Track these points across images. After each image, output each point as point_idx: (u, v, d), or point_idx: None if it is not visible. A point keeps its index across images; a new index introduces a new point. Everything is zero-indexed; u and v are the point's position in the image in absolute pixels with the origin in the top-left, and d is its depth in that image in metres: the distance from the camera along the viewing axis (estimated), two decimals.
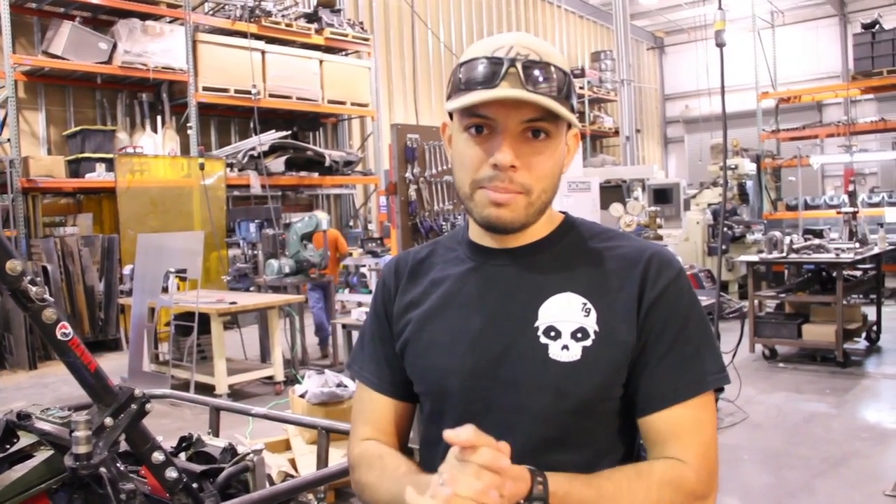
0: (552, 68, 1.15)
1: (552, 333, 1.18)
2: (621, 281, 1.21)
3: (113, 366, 8.30)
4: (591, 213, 9.57)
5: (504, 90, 1.13)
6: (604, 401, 1.20)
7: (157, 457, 1.57)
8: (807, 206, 14.49)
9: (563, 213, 1.34)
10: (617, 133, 19.04)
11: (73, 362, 1.41)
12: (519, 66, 1.13)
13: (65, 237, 9.35)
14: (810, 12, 20.78)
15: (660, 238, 3.39)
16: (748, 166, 11.91)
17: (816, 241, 7.66)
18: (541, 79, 1.14)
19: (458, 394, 1.24)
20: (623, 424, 1.23)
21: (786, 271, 8.68)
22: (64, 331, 1.37)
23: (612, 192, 11.90)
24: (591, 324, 1.18)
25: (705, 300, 5.46)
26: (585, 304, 1.20)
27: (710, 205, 10.96)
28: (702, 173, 14.89)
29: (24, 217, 9.31)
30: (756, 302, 7.73)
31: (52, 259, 8.97)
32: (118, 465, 1.55)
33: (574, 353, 1.17)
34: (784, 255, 7.51)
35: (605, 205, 9.96)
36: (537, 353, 1.18)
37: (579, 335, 1.18)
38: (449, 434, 0.99)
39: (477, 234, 1.31)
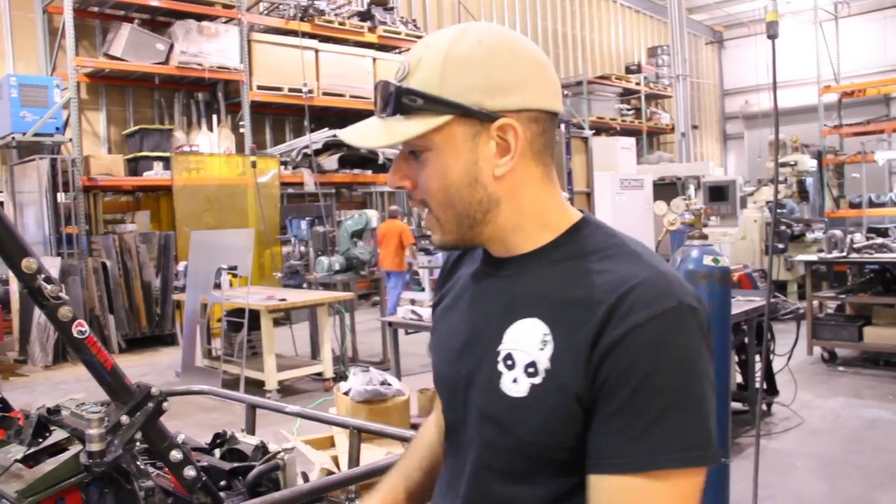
0: (396, 88, 1.06)
1: (509, 362, 1.06)
2: (587, 316, 1.00)
3: (168, 360, 8.47)
4: (643, 210, 9.46)
5: (358, 125, 1.12)
6: (546, 447, 1.04)
7: (176, 455, 1.57)
8: (871, 204, 14.02)
9: (583, 213, 1.17)
10: (674, 129, 18.73)
11: (90, 360, 1.42)
12: (379, 95, 1.09)
13: (123, 234, 9.59)
14: (877, 2, 20.15)
15: (705, 237, 3.29)
16: (808, 163, 11.57)
17: (879, 241, 7.39)
18: (387, 102, 1.07)
19: (444, 400, 1.22)
20: (581, 480, 1.04)
21: (847, 272, 8.40)
22: (80, 328, 1.38)
23: (667, 190, 11.70)
24: (543, 359, 1.03)
25: (759, 301, 5.31)
26: (546, 335, 1.04)
27: (767, 202, 10.68)
28: (761, 170, 14.54)
29: (85, 214, 9.57)
30: (815, 303, 7.51)
31: (111, 255, 9.21)
32: (138, 462, 1.55)
33: (521, 388, 1.04)
34: (844, 254, 7.27)
35: None
36: (492, 380, 1.07)
37: (530, 370, 1.03)
38: None
39: None
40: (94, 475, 1.64)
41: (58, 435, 2.05)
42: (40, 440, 1.96)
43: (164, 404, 1.50)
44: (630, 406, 0.96)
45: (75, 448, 2.08)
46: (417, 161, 1.09)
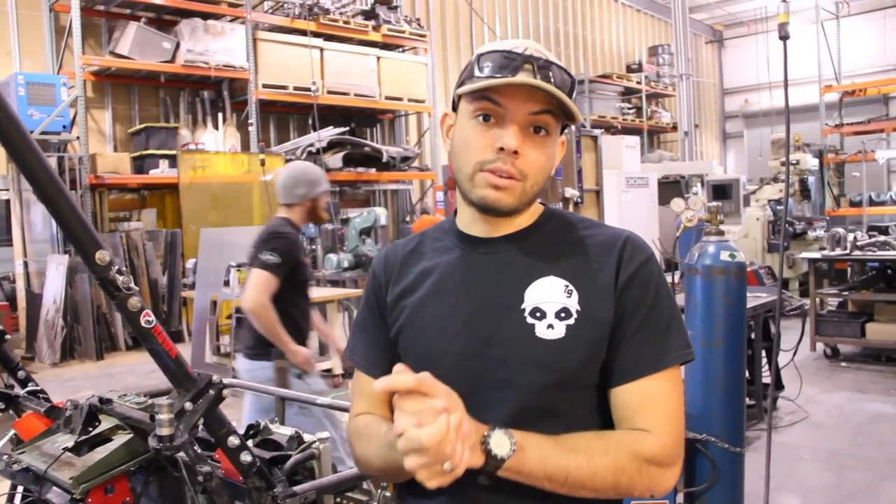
0: (561, 69, 1.28)
1: (538, 314, 1.27)
2: (600, 265, 1.31)
3: None
4: (648, 208, 9.53)
5: (522, 77, 1.24)
6: (585, 375, 1.28)
7: (233, 441, 1.63)
8: (871, 203, 14.11)
9: (543, 204, 1.43)
10: (675, 128, 18.79)
11: (156, 349, 1.48)
12: (534, 62, 1.25)
13: (130, 232, 9.62)
14: (878, 1, 20.21)
15: (722, 234, 3.37)
16: (810, 161, 11.66)
17: (882, 238, 7.48)
18: (550, 76, 1.26)
19: (450, 374, 1.28)
20: (600, 400, 1.31)
21: (849, 269, 8.49)
22: (147, 318, 1.44)
23: (670, 188, 11.77)
24: (573, 304, 1.27)
25: (766, 297, 5.38)
26: (567, 286, 1.29)
27: (770, 201, 10.76)
28: (762, 169, 14.63)
29: (91, 212, 9.62)
30: (818, 300, 7.59)
31: (117, 253, 9.24)
32: (195, 448, 1.62)
33: (559, 331, 1.26)
34: (847, 252, 7.35)
35: (662, 201, 9.89)
36: (525, 332, 1.27)
37: (563, 315, 1.27)
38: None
39: (466, 224, 1.40)
40: (158, 459, 1.70)
41: (105, 424, 2.12)
42: (90, 429, 2.03)
43: (224, 392, 1.57)
44: (647, 323, 1.28)
45: (120, 437, 2.15)
46: (535, 138, 1.28)
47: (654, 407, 1.25)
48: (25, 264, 9.29)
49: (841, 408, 5.79)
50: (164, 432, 1.46)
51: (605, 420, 1.31)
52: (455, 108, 1.37)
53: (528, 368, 1.26)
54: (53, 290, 8.80)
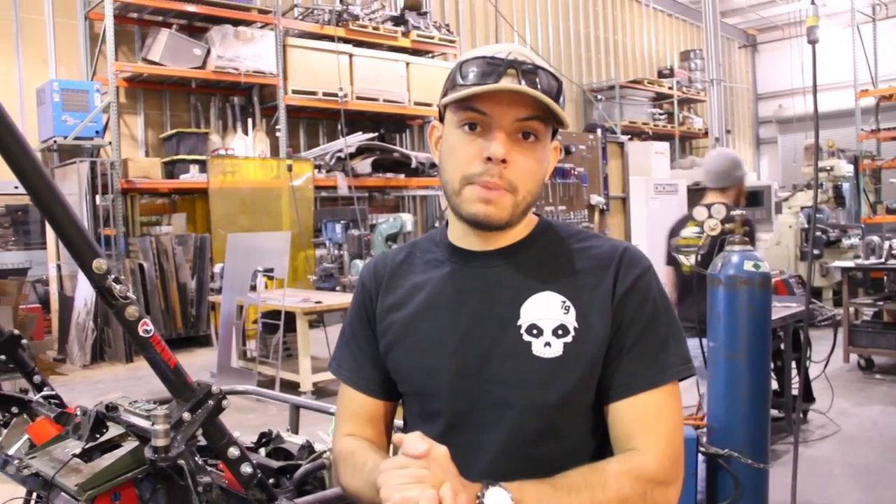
0: (547, 73, 1.23)
1: (534, 331, 1.23)
2: (597, 279, 1.26)
3: (203, 361, 8.58)
4: (677, 215, 9.36)
5: (505, 83, 1.19)
6: (583, 393, 1.23)
7: (233, 452, 1.61)
8: None
9: (538, 215, 1.38)
10: (706, 134, 18.57)
11: (154, 358, 1.47)
12: (518, 67, 1.20)
13: (160, 236, 9.71)
14: None
15: (746, 243, 3.29)
16: (845, 168, 11.45)
17: None
18: (536, 81, 1.20)
19: (446, 393, 1.28)
20: (597, 418, 1.26)
21: (885, 278, 8.30)
22: (145, 328, 1.43)
23: (701, 195, 11.60)
24: (570, 321, 1.23)
25: (795, 307, 5.27)
26: (564, 301, 1.24)
27: (803, 208, 10.58)
28: (795, 175, 14.40)
29: (122, 216, 9.73)
30: (852, 310, 7.43)
31: (147, 257, 9.34)
32: (196, 458, 1.60)
33: (556, 349, 1.22)
34: (883, 260, 7.19)
35: (692, 208, 9.73)
36: (521, 350, 1.23)
37: (560, 332, 1.22)
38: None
39: (457, 237, 1.35)
40: (156, 470, 1.69)
41: (113, 431, 2.11)
42: (98, 436, 2.03)
43: (224, 402, 1.55)
44: (644, 337, 1.23)
45: (129, 444, 2.14)
46: (524, 144, 1.22)
47: (651, 424, 1.20)
48: (59, 267, 9.42)
49: (874, 421, 5.65)
50: (160, 443, 1.44)
51: (603, 438, 1.26)
52: (442, 119, 1.32)
53: (525, 388, 1.22)
54: (84, 293, 8.91)
